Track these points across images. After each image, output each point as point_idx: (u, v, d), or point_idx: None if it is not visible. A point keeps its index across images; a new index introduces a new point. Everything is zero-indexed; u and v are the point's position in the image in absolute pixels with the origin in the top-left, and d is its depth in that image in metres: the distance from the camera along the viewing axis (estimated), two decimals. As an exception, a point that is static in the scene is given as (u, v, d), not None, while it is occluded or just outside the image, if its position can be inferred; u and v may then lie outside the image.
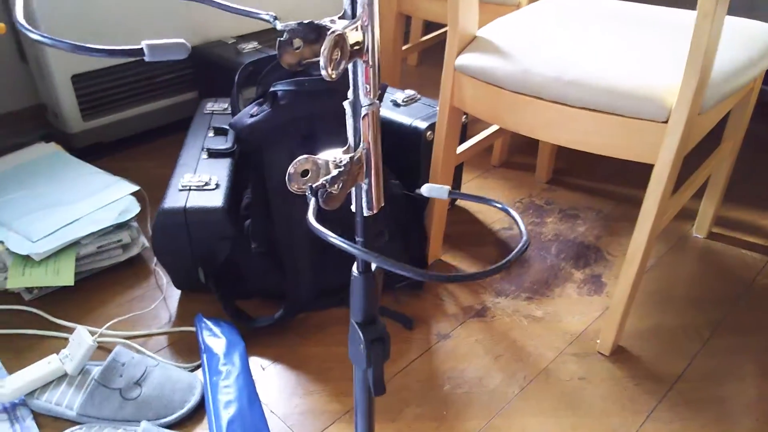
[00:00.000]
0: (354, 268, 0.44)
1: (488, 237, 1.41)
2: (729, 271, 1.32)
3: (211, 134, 1.28)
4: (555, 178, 1.65)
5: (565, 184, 1.63)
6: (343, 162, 0.39)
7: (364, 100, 0.39)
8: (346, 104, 0.41)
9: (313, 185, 0.37)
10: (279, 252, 1.09)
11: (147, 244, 1.27)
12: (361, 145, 0.40)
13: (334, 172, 0.38)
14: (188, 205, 1.06)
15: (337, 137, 1.02)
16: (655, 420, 0.97)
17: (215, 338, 1.00)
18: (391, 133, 1.25)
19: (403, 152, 1.23)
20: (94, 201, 1.22)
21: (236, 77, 1.24)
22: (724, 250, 1.39)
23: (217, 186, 1.11)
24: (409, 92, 1.34)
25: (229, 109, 1.36)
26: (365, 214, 0.42)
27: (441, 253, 1.34)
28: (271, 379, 1.01)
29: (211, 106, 1.40)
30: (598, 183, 1.64)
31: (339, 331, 1.12)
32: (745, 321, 1.18)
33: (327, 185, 0.37)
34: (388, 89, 1.37)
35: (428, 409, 0.97)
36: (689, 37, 0.89)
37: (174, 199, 1.08)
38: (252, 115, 1.02)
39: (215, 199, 1.08)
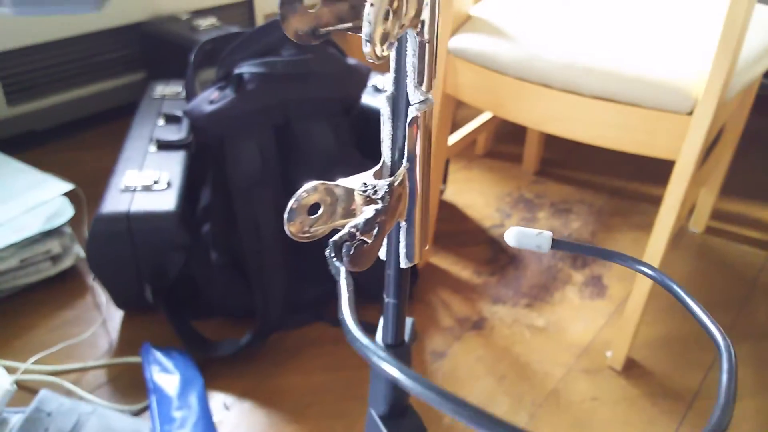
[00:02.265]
0: (378, 338, 0.29)
1: (479, 236, 1.28)
2: (731, 270, 1.23)
3: (161, 122, 1.09)
4: (543, 169, 1.53)
5: (554, 175, 1.51)
6: (380, 192, 0.23)
7: (414, 95, 0.24)
8: (383, 100, 0.25)
9: (339, 237, 0.21)
10: (244, 263, 0.92)
11: (83, 254, 1.07)
12: (404, 164, 0.25)
13: (368, 212, 0.22)
14: (132, 209, 0.88)
15: (319, 131, 0.86)
16: (680, 448, 0.87)
17: (167, 374, 0.82)
18: (372, 123, 1.09)
19: (386, 144, 1.07)
20: (16, 204, 1.01)
21: (192, 56, 1.05)
22: (723, 246, 1.30)
23: (169, 185, 0.93)
24: (390, 75, 1.18)
25: (183, 93, 1.17)
26: (402, 266, 0.27)
27: (431, 255, 1.20)
28: (238, 420, 0.85)
29: (161, 89, 1.20)
30: (588, 174, 1.53)
31: (317, 354, 0.97)
32: (755, 325, 1.09)
33: (358, 233, 0.22)
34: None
35: (427, 447, 0.83)
36: (706, 19, 0.82)
37: (114, 203, 0.89)
38: (212, 101, 0.84)
39: (166, 202, 0.90)
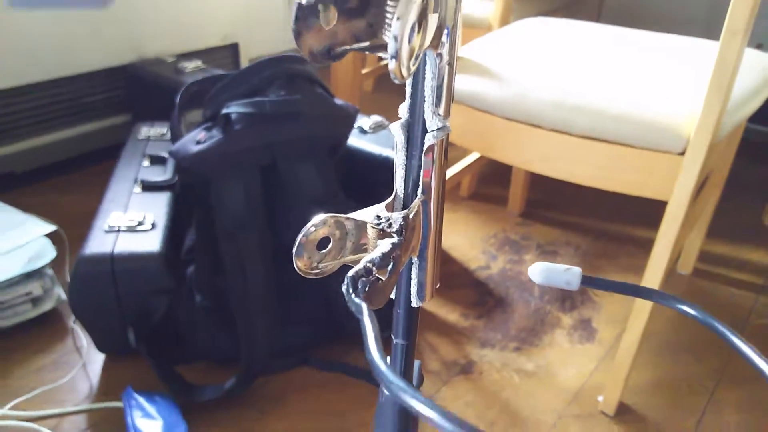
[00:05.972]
0: (384, 388, 0.28)
1: (465, 278, 1.27)
2: (720, 312, 1.23)
3: (146, 163, 1.08)
4: (528, 210, 1.54)
5: (539, 217, 1.52)
6: (395, 225, 0.23)
7: (431, 122, 0.23)
8: (397, 128, 0.25)
9: (355, 272, 0.20)
10: (229, 306, 0.90)
11: (64, 296, 1.04)
12: (418, 195, 0.24)
13: (384, 245, 0.22)
14: (116, 250, 0.86)
15: (305, 171, 0.85)
16: (678, 497, 0.84)
17: (149, 420, 0.79)
18: (357, 164, 1.09)
19: (371, 186, 1.07)
20: (-5, 245, 0.99)
21: (178, 98, 1.06)
22: (712, 289, 1.31)
23: (153, 226, 0.91)
24: (376, 118, 1.19)
25: (168, 134, 1.17)
26: (413, 305, 0.26)
27: (416, 299, 1.18)
28: (222, 469, 0.82)
29: (146, 130, 1.20)
30: (573, 216, 1.54)
31: (303, 398, 0.94)
32: (747, 368, 1.08)
33: (374, 268, 0.21)
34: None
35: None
36: (696, 60, 0.84)
37: (98, 243, 0.87)
38: (198, 142, 0.84)
39: (150, 243, 0.88)
